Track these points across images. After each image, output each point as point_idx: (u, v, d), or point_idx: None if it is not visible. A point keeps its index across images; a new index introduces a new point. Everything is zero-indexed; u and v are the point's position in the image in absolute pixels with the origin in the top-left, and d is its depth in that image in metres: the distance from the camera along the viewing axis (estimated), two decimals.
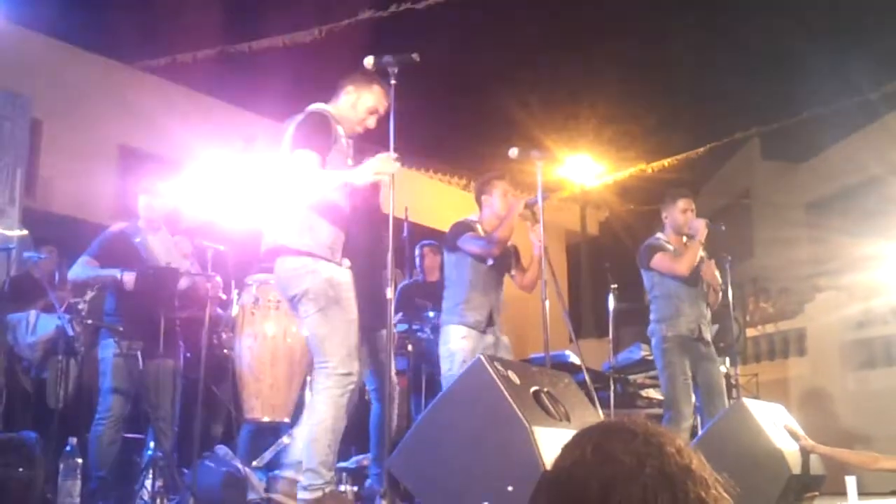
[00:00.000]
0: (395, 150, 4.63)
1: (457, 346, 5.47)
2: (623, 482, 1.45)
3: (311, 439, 4.11)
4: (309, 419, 4.17)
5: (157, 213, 5.85)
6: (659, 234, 6.44)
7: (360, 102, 4.49)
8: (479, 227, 5.70)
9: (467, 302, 5.56)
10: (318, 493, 4.03)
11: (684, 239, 6.37)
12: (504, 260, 5.78)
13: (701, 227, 6.13)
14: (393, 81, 4.47)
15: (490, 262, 5.56)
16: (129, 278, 5.48)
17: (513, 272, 5.90)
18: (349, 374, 4.13)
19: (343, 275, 4.26)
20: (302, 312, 4.22)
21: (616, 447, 1.49)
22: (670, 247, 6.30)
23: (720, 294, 6.54)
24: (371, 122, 4.53)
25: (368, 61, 4.45)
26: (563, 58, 11.57)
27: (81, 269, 5.62)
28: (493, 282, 5.67)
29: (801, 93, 12.21)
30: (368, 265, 5.10)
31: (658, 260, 6.23)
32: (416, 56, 4.45)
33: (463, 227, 5.68)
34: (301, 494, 4.08)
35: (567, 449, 1.58)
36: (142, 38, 9.00)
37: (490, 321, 5.58)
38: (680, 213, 6.31)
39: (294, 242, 4.19)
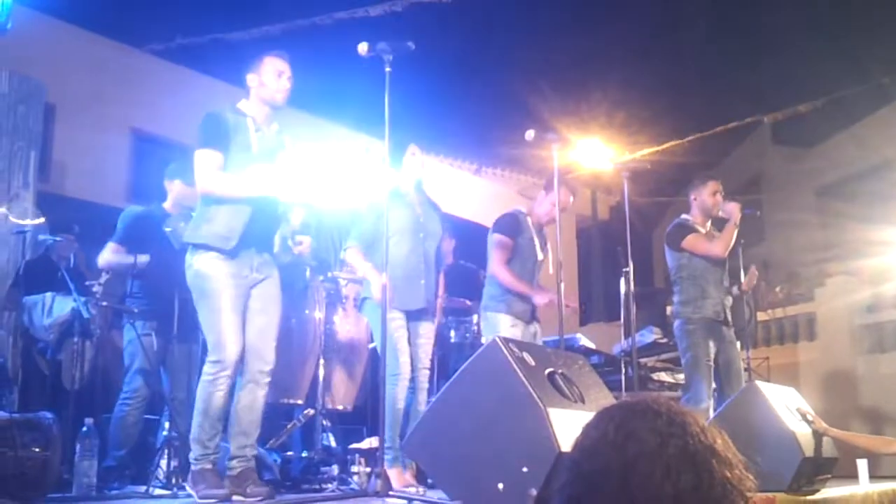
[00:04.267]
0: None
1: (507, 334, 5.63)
2: (646, 462, 1.43)
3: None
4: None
5: (192, 200, 5.88)
6: (685, 216, 6.49)
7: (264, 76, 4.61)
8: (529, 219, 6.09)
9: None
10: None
11: (709, 223, 6.44)
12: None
13: (735, 210, 6.20)
14: (388, 69, 4.49)
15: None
16: (142, 259, 5.56)
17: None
18: (218, 360, 4.35)
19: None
20: None
21: (639, 426, 1.47)
22: (700, 229, 6.36)
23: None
24: (286, 84, 4.63)
25: (363, 48, 4.47)
26: (574, 41, 11.51)
27: (111, 256, 5.71)
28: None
29: (813, 77, 12.13)
30: (410, 247, 5.20)
31: (691, 241, 6.27)
32: (411, 44, 4.46)
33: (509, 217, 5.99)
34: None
35: (589, 428, 1.57)
36: (155, 21, 8.98)
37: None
38: (710, 195, 6.38)
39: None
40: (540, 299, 5.77)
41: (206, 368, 4.38)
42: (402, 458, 5.08)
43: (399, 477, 4.96)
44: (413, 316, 5.24)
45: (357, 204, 5.34)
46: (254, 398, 4.48)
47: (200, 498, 4.21)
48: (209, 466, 4.36)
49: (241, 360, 4.41)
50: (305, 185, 4.64)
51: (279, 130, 4.74)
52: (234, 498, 4.30)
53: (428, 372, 5.33)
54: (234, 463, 4.43)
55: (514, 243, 5.95)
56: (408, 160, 5.37)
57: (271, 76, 4.58)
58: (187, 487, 4.43)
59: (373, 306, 5.13)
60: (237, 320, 4.40)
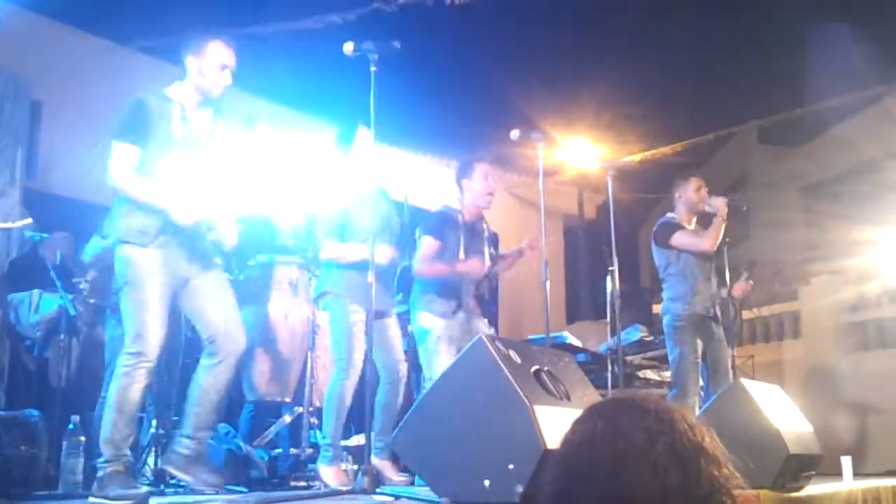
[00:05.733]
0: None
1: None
2: (633, 459, 1.45)
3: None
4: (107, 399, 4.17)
5: None
6: (671, 214, 6.53)
7: (204, 65, 4.33)
8: (460, 215, 5.59)
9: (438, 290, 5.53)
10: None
11: (694, 220, 6.48)
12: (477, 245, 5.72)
13: (721, 204, 6.25)
14: (373, 68, 4.45)
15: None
16: None
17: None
18: (137, 352, 4.07)
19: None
20: None
21: (627, 423, 1.49)
22: (687, 226, 6.40)
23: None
24: (227, 78, 4.38)
25: (348, 47, 4.43)
26: (562, 41, 11.53)
27: (95, 247, 5.70)
28: None
29: (801, 79, 12.20)
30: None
31: (680, 238, 6.32)
32: (397, 44, 4.43)
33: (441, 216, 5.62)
34: None
35: (577, 424, 1.58)
36: (141, 19, 8.96)
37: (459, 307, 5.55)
38: (694, 191, 6.44)
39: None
40: (463, 266, 5.40)
41: (123, 360, 4.07)
42: (344, 456, 5.09)
43: (337, 475, 4.97)
44: (376, 314, 5.10)
45: (325, 202, 5.29)
46: (219, 379, 4.25)
47: (113, 499, 3.89)
48: (120, 469, 4.03)
49: (162, 353, 4.17)
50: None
51: (214, 115, 4.46)
52: (184, 477, 4.17)
53: (406, 364, 5.30)
54: (187, 442, 4.19)
55: (442, 244, 5.55)
56: (358, 144, 5.26)
57: (213, 67, 4.30)
58: (91, 498, 4.00)
59: (334, 300, 5.11)
60: (163, 312, 4.14)
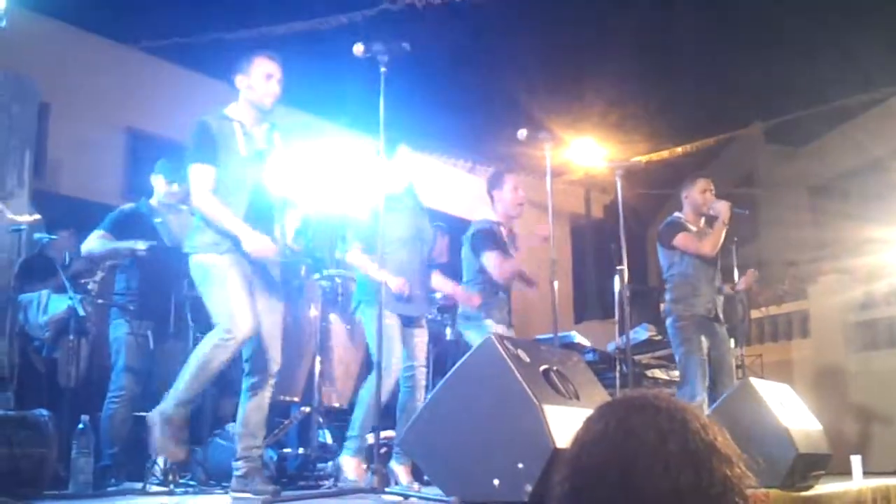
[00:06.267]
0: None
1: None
2: (645, 458, 1.43)
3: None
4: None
5: (178, 195, 5.92)
6: (678, 214, 6.54)
7: (252, 79, 4.51)
8: (501, 228, 5.81)
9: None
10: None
11: (702, 220, 6.49)
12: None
13: (725, 209, 6.26)
14: (383, 69, 4.48)
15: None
16: (143, 246, 5.57)
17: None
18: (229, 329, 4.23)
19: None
20: None
21: (639, 422, 1.47)
22: (692, 227, 6.40)
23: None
24: (275, 87, 4.54)
25: (358, 49, 4.46)
26: (568, 41, 11.55)
27: (96, 242, 5.72)
28: None
29: (808, 79, 12.18)
30: (409, 254, 5.21)
31: (682, 239, 6.33)
32: (406, 45, 4.46)
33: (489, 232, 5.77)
34: None
35: (589, 422, 1.56)
36: (150, 20, 8.99)
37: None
38: (700, 193, 6.45)
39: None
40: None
41: (219, 333, 4.21)
42: (365, 452, 5.12)
43: (357, 468, 5.02)
44: (406, 321, 5.23)
45: (357, 207, 5.34)
46: (261, 398, 4.43)
47: (158, 447, 4.17)
48: (176, 419, 4.19)
49: (251, 336, 4.31)
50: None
51: (270, 128, 4.65)
52: (242, 496, 4.26)
53: (424, 370, 5.35)
54: (240, 464, 4.36)
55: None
56: (397, 160, 5.33)
57: (260, 79, 4.48)
58: (153, 421, 4.19)
59: (366, 307, 5.15)
60: (248, 299, 4.31)
